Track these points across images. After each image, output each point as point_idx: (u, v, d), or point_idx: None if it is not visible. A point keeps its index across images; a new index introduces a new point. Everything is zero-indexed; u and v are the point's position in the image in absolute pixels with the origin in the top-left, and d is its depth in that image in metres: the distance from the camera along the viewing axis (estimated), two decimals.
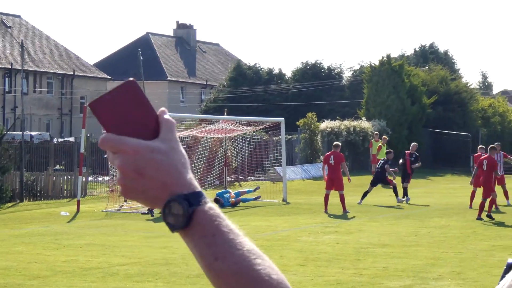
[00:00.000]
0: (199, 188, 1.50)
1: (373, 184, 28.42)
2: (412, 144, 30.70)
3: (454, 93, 54.72)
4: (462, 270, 14.04)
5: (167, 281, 13.06)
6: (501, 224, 21.54)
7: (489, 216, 22.36)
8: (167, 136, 1.50)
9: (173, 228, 1.48)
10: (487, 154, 23.81)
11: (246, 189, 29.67)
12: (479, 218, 22.33)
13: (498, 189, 27.02)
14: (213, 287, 1.48)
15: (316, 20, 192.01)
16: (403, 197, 28.26)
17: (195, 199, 1.47)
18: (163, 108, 1.54)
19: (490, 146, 24.38)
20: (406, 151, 30.31)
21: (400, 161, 29.88)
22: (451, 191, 33.26)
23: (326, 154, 26.45)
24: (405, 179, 28.97)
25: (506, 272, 1.30)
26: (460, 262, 14.95)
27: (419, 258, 15.44)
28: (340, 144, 26.60)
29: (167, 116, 1.52)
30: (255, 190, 29.27)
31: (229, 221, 1.50)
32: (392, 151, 29.52)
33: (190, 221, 1.47)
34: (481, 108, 57.39)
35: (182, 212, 1.46)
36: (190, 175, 1.51)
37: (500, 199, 26.74)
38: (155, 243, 17.77)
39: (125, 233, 20.00)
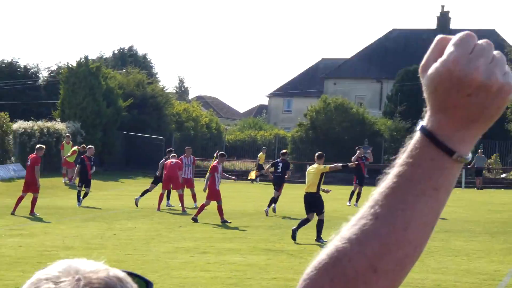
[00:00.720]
0: None
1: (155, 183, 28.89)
2: (89, 147, 30.34)
3: (150, 96, 55.49)
4: (144, 272, 14.17)
5: None
6: (186, 225, 22.11)
7: (195, 219, 23.04)
8: None
9: None
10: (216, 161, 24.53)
11: None
12: (224, 221, 22.93)
13: (187, 192, 27.83)
14: None
15: (11, 17, 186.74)
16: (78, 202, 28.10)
17: None
18: None
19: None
20: (83, 155, 29.83)
21: (77, 166, 29.54)
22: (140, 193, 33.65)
23: None
24: (85, 183, 28.66)
25: None
26: (142, 264, 15.14)
27: (102, 260, 15.41)
28: (44, 147, 25.91)
29: None
30: None
31: None
32: (172, 149, 29.78)
33: None
34: (176, 112, 58.78)
35: None
36: None
37: (188, 202, 27.50)
38: None
39: None
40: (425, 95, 1.35)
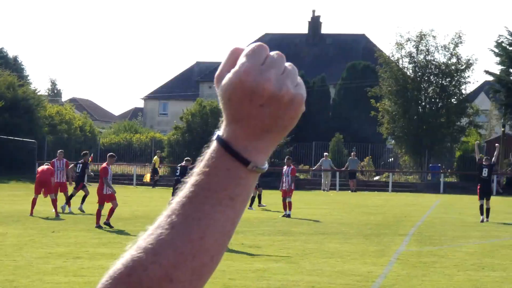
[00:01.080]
0: None
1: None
2: None
3: (22, 99, 54.42)
4: (15, 278, 13.91)
5: None
6: (60, 230, 21.72)
7: (107, 224, 22.69)
8: None
9: None
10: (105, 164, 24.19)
11: None
12: (99, 226, 22.55)
13: (60, 196, 27.36)
14: None
15: None
16: None
17: None
18: None
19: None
20: None
21: None
22: (14, 198, 32.89)
23: None
24: None
25: None
26: (14, 270, 14.80)
27: None
28: None
29: None
30: None
31: None
32: (88, 152, 29.38)
33: None
34: (49, 115, 57.77)
35: None
36: None
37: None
38: None
39: None
40: (220, 105, 1.34)
